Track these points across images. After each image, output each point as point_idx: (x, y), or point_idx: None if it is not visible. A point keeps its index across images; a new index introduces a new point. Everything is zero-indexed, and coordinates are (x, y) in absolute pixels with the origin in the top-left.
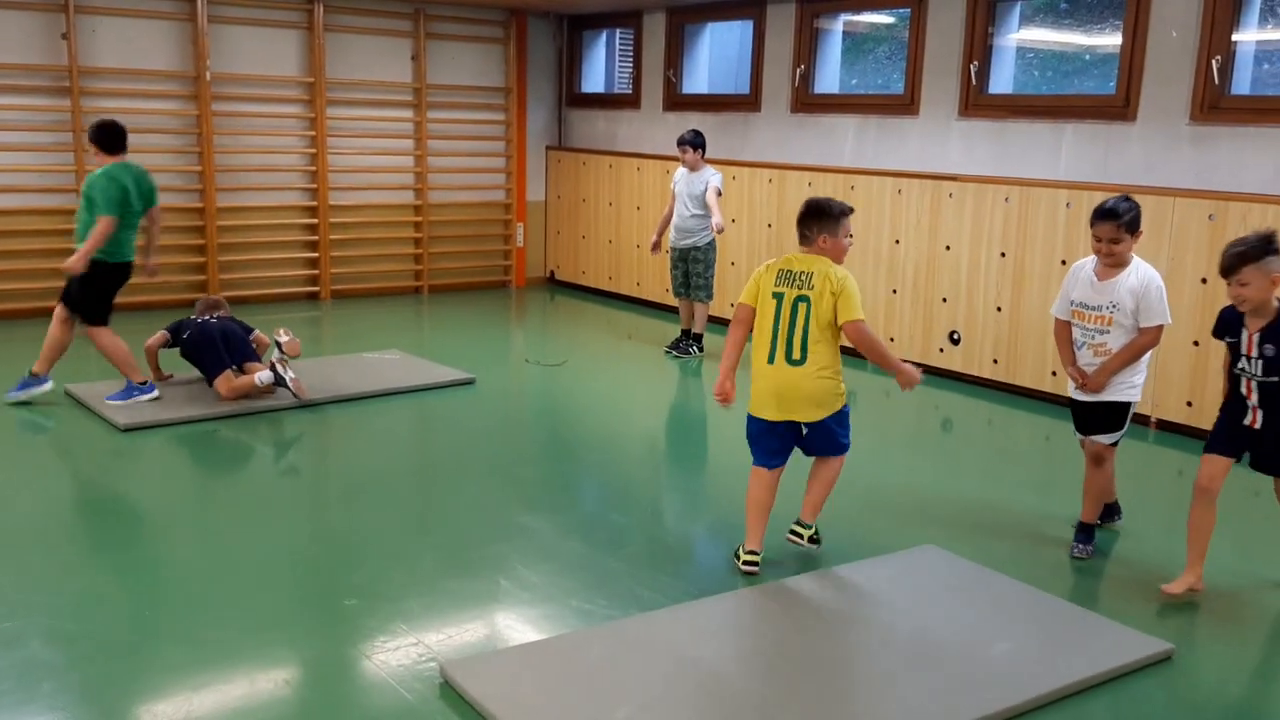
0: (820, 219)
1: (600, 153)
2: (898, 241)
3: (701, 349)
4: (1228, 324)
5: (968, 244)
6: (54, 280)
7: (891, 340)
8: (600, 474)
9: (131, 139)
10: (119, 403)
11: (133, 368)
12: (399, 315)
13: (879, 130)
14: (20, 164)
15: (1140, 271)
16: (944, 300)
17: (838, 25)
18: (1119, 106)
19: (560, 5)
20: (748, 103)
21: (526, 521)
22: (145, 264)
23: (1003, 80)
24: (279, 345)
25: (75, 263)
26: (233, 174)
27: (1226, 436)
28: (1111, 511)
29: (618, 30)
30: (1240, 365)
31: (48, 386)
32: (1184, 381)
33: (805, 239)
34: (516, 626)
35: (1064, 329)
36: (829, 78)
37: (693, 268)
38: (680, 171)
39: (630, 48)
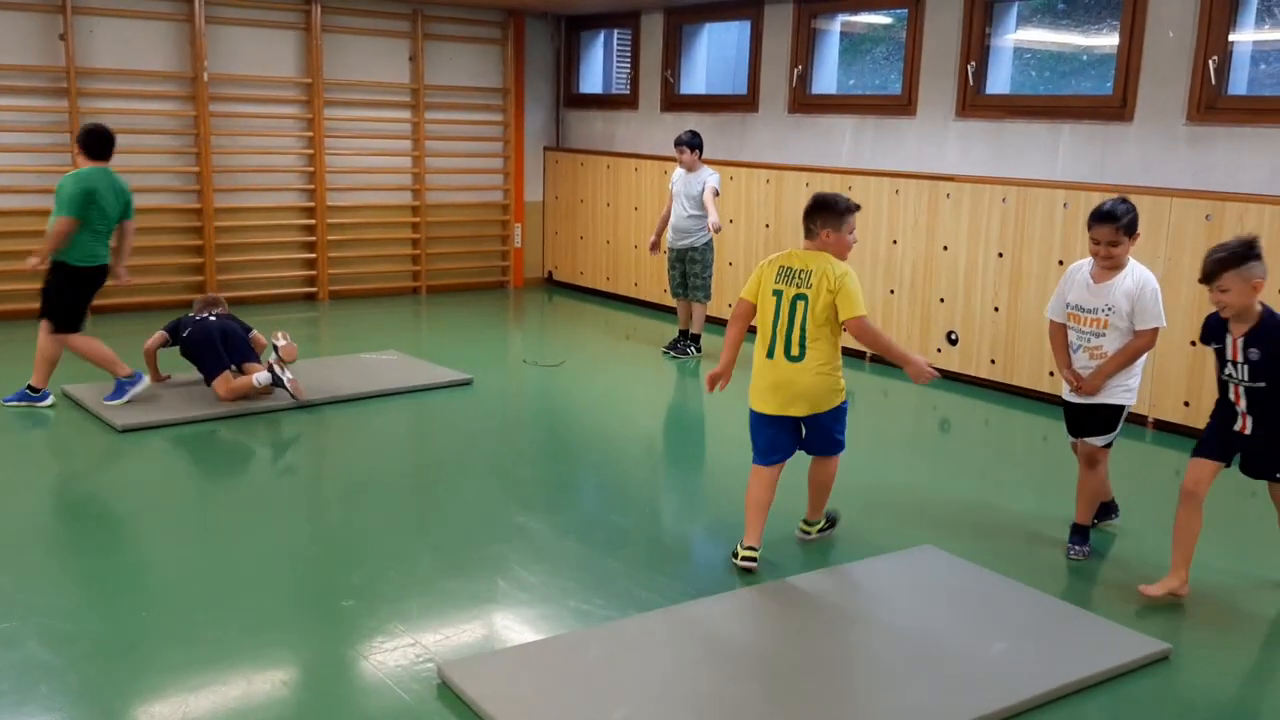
0: (824, 214)
1: (598, 153)
2: (895, 242)
3: (699, 349)
4: (1212, 330)
5: (965, 244)
6: None
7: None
8: (598, 474)
9: (129, 140)
10: (118, 402)
11: (115, 363)
12: (397, 316)
13: (876, 131)
14: (18, 165)
15: (1136, 274)
16: (941, 300)
17: (835, 26)
18: (1116, 107)
19: (558, 6)
20: (745, 103)
21: (524, 522)
22: (115, 271)
23: (1000, 81)
24: (276, 349)
25: (35, 262)
26: (230, 174)
27: (1216, 441)
28: (1108, 510)
29: (615, 31)
30: (1227, 371)
31: (49, 401)
32: (1181, 382)
33: (809, 233)
34: (514, 627)
35: (1059, 331)
36: (826, 78)
37: (690, 268)
38: (678, 172)
39: (628, 48)
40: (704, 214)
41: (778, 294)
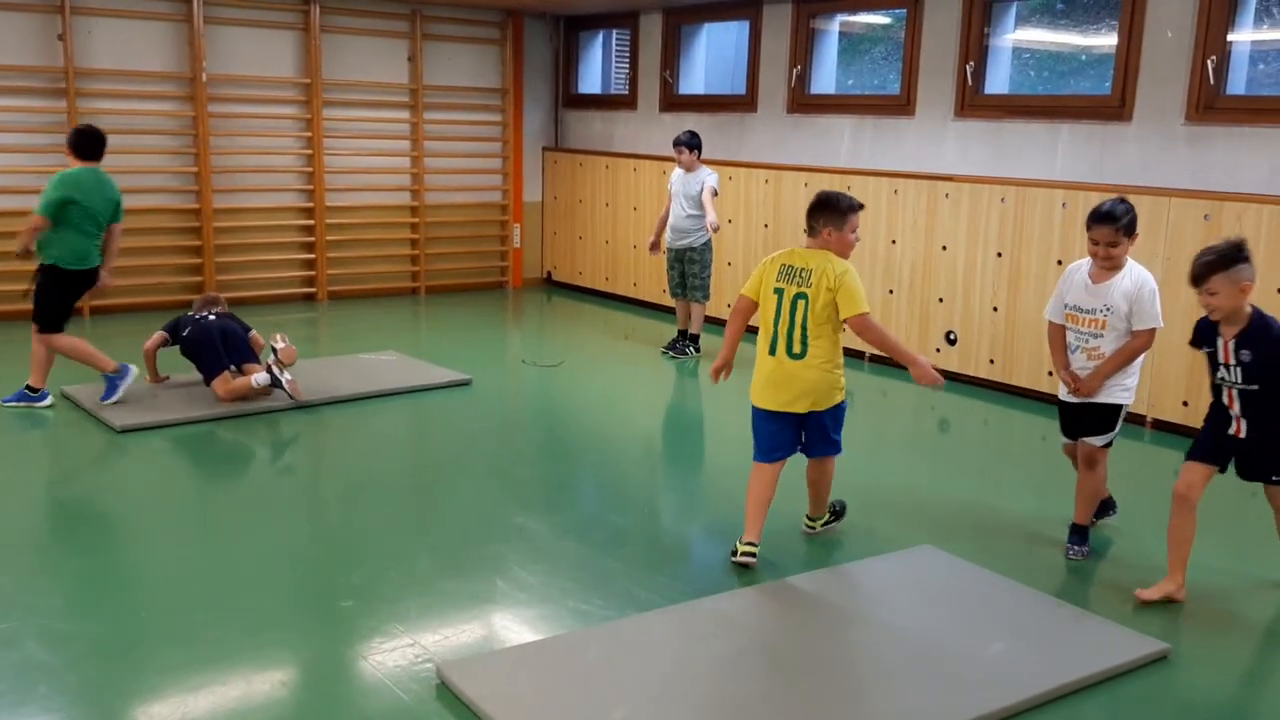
0: (826, 212)
1: (597, 153)
2: (894, 242)
3: (698, 350)
4: (1203, 334)
5: (964, 244)
6: None
7: None
8: (597, 474)
9: (128, 140)
10: (112, 399)
11: (100, 359)
12: (396, 316)
13: (875, 131)
14: (16, 165)
15: (1134, 274)
16: (940, 300)
17: (834, 26)
18: (1114, 107)
19: (556, 6)
20: (744, 103)
21: (523, 522)
22: (99, 274)
23: (999, 81)
24: (275, 350)
25: (17, 247)
26: (229, 175)
27: (1209, 446)
28: (1106, 507)
29: (614, 31)
30: (1220, 375)
31: (47, 401)
32: (1180, 381)
33: (811, 231)
34: (513, 627)
35: (1058, 332)
36: (825, 78)
37: (689, 268)
38: (676, 172)
39: (627, 48)
40: (702, 214)
41: (779, 292)
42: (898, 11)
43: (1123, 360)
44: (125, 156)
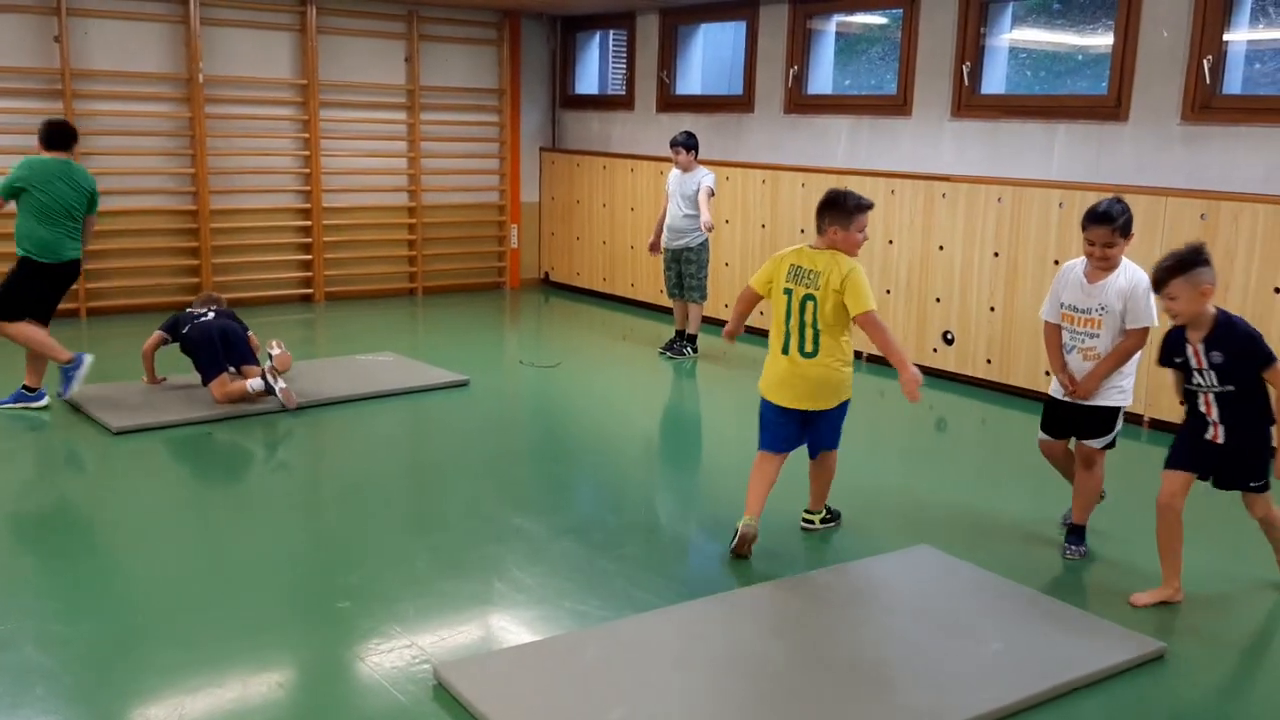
0: (833, 211)
1: (594, 154)
2: (891, 242)
3: (696, 350)
4: (1173, 344)
5: (961, 244)
6: None
7: None
8: (595, 475)
9: (124, 141)
10: (71, 392)
11: (55, 349)
12: (393, 317)
13: (872, 131)
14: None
15: (1129, 273)
16: (937, 300)
17: (830, 26)
18: (1111, 106)
19: (553, 6)
20: (741, 104)
21: (521, 523)
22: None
23: (995, 81)
24: (270, 356)
25: None
26: (226, 176)
27: (1187, 452)
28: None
29: (611, 31)
30: (1195, 381)
31: (43, 402)
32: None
33: (819, 229)
34: (510, 628)
35: (1054, 332)
36: (822, 78)
37: (686, 269)
38: (674, 172)
39: (623, 49)
40: (699, 214)
41: (788, 293)
42: (894, 12)
43: (1118, 360)
44: (122, 158)
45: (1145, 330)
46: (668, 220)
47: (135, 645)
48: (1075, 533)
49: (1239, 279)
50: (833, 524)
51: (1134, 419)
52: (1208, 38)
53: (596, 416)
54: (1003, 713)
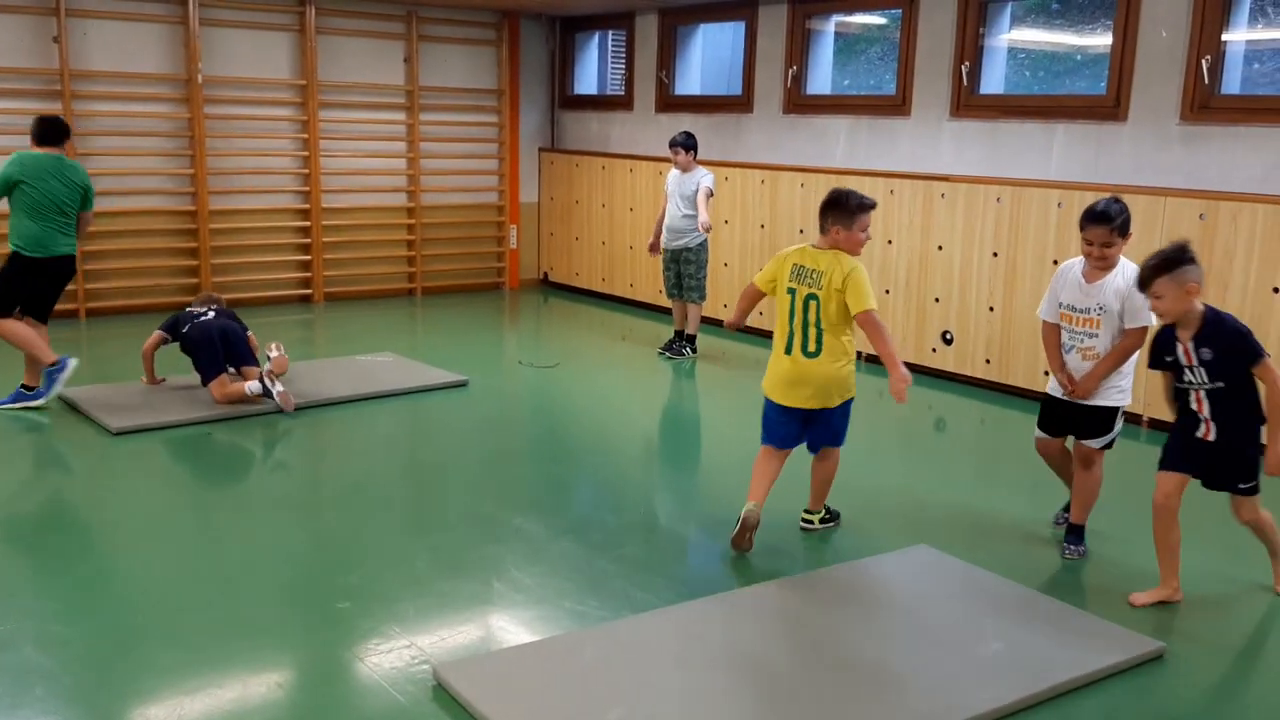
0: (835, 211)
1: (593, 154)
2: (890, 242)
3: (695, 350)
4: (1163, 343)
5: (960, 244)
6: None
7: None
8: (594, 476)
9: (123, 142)
10: (52, 394)
11: (42, 350)
12: (392, 318)
13: (871, 131)
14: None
15: (1127, 272)
16: (936, 300)
17: (829, 26)
18: (1110, 106)
19: (552, 7)
20: (740, 104)
21: (520, 523)
22: None
23: (994, 81)
24: (268, 359)
25: None
26: (225, 177)
27: (1180, 451)
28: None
29: (610, 32)
30: (1186, 379)
31: (42, 401)
32: None
33: (822, 228)
34: (509, 628)
35: (1052, 332)
36: (821, 79)
37: (685, 269)
38: (673, 173)
39: (622, 49)
40: (698, 214)
41: (791, 292)
42: (893, 12)
43: (1116, 360)
44: (121, 159)
45: (1144, 330)
46: (666, 220)
47: (134, 646)
48: (1074, 532)
49: (1238, 279)
50: (832, 524)
51: (1133, 419)
52: (1206, 38)
53: (596, 417)
54: (1001, 712)
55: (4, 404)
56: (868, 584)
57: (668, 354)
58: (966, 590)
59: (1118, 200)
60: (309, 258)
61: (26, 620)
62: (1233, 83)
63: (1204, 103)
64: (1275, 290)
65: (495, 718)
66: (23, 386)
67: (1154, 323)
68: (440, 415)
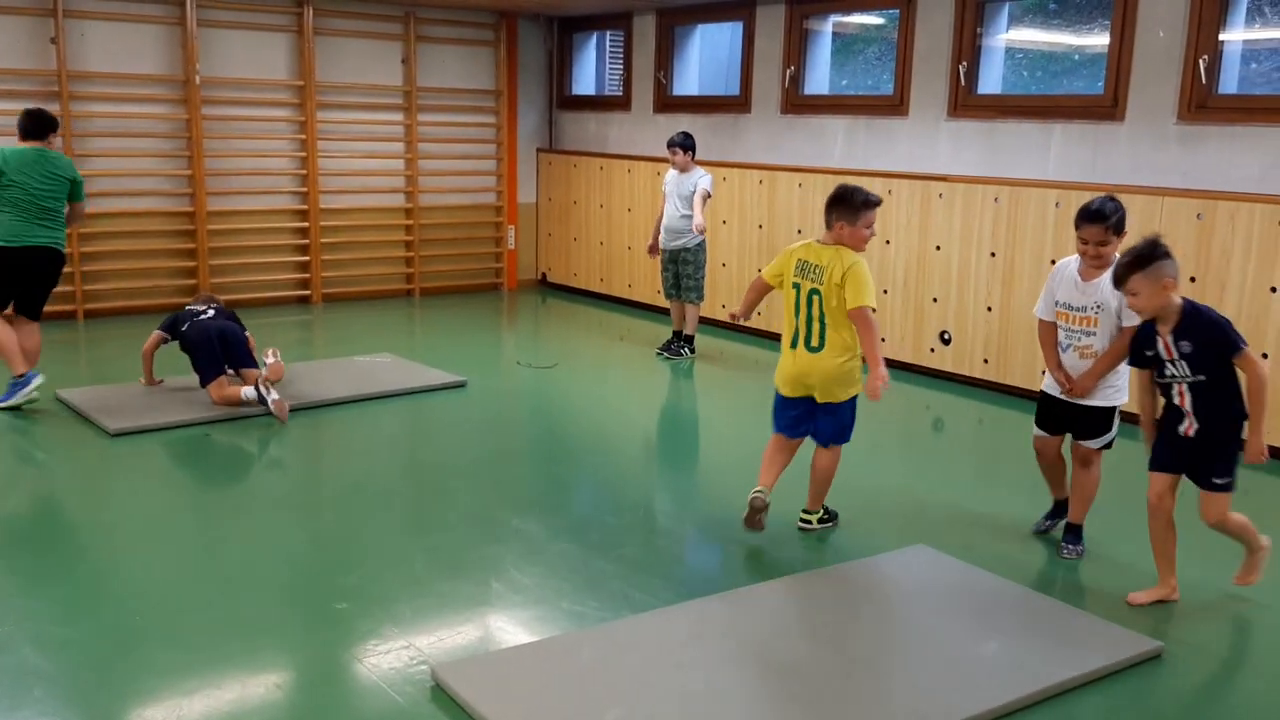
0: (840, 207)
1: (591, 155)
2: (888, 242)
3: (693, 350)
4: (1144, 338)
5: (958, 244)
6: None
7: (883, 340)
8: (592, 476)
9: (121, 143)
10: (7, 405)
11: (15, 358)
12: (390, 318)
13: (868, 131)
14: None
15: None
16: (934, 300)
17: (827, 26)
18: (1107, 106)
19: (550, 7)
20: (738, 104)
21: (518, 524)
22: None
23: (992, 81)
24: (264, 365)
25: None
26: (223, 178)
27: (1167, 451)
28: (1063, 509)
29: (608, 32)
30: (1168, 373)
31: (37, 381)
32: None
33: (827, 223)
34: (508, 629)
35: (1049, 330)
36: (819, 79)
37: (683, 269)
38: (671, 173)
39: (620, 50)
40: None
41: (796, 287)
42: (891, 12)
43: (1114, 359)
44: (119, 160)
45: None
46: (665, 221)
47: (133, 647)
48: (1072, 532)
49: (1235, 278)
50: (830, 524)
51: (1131, 418)
52: (1204, 37)
53: (594, 417)
54: (999, 712)
55: (2, 403)
56: (866, 584)
57: (666, 354)
58: (964, 590)
59: (1112, 199)
60: (307, 259)
61: (25, 621)
62: (1230, 82)
63: (1201, 102)
64: (1273, 290)
65: (493, 718)
66: (12, 380)
67: None
68: (439, 416)
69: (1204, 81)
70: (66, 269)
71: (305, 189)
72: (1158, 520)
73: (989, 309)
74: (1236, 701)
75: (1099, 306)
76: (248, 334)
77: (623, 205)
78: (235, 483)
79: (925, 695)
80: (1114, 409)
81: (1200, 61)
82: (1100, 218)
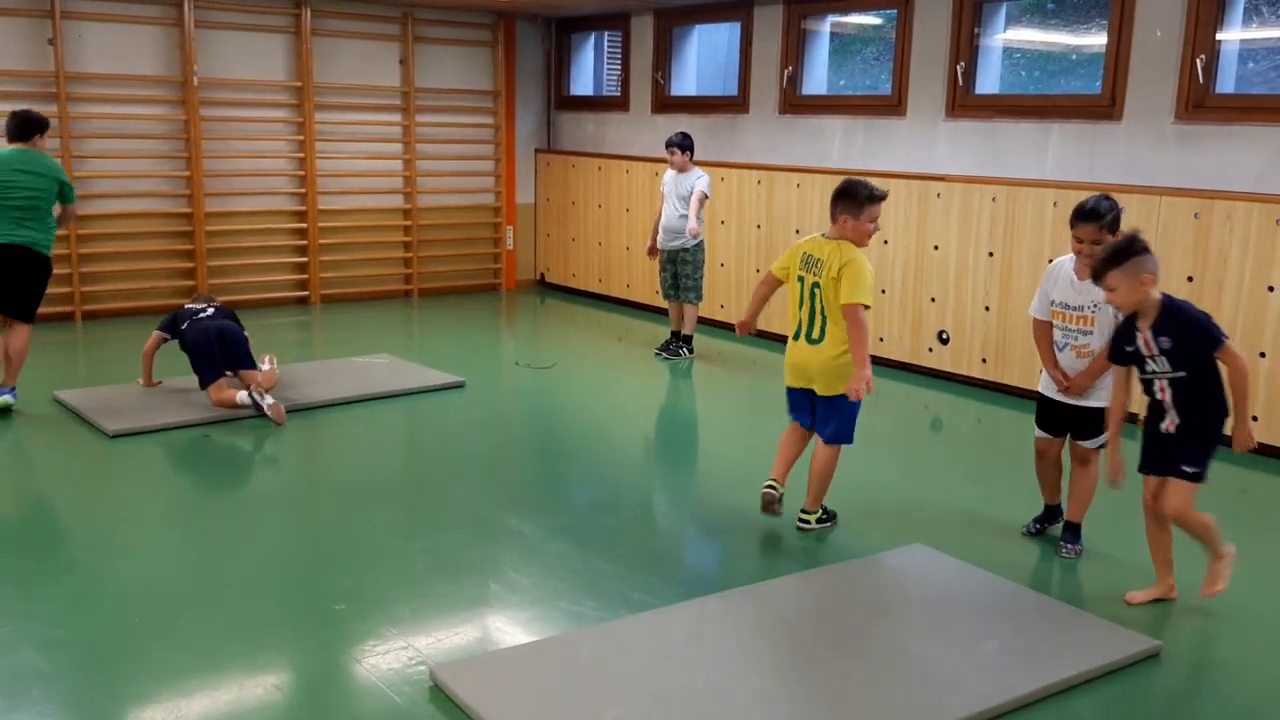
0: (844, 201)
1: (589, 155)
2: (886, 242)
3: (691, 351)
4: (1124, 333)
5: (956, 244)
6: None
7: (881, 340)
8: (590, 476)
9: (119, 145)
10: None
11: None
12: (389, 319)
13: (866, 131)
14: None
15: None
16: (932, 300)
17: (825, 26)
18: (1105, 106)
19: (548, 8)
20: (736, 104)
21: (516, 524)
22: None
23: (989, 81)
24: (260, 371)
25: None
26: (221, 179)
27: (1150, 452)
28: (1054, 515)
29: (606, 33)
30: (1149, 369)
31: (6, 398)
32: None
33: (832, 217)
34: (506, 629)
35: (1044, 330)
36: (816, 79)
37: (681, 269)
38: (669, 173)
39: (618, 50)
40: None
41: (801, 280)
42: (888, 12)
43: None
44: (117, 161)
45: None
46: (663, 221)
47: (132, 648)
48: (1071, 531)
49: (1233, 278)
50: (828, 524)
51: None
52: (1201, 37)
53: (592, 418)
54: (997, 711)
55: None
56: (864, 583)
57: (664, 354)
58: (963, 589)
59: (1107, 198)
60: (305, 259)
61: (24, 622)
62: (1227, 82)
63: (1199, 102)
64: (1270, 289)
65: (492, 718)
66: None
67: None
68: (437, 416)
69: (1201, 81)
70: (65, 270)
71: (303, 190)
72: (1152, 520)
73: (987, 308)
74: (1234, 700)
75: (1095, 305)
76: (246, 334)
77: (621, 206)
78: (234, 484)
79: (924, 694)
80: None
81: (1197, 61)
82: (1095, 216)
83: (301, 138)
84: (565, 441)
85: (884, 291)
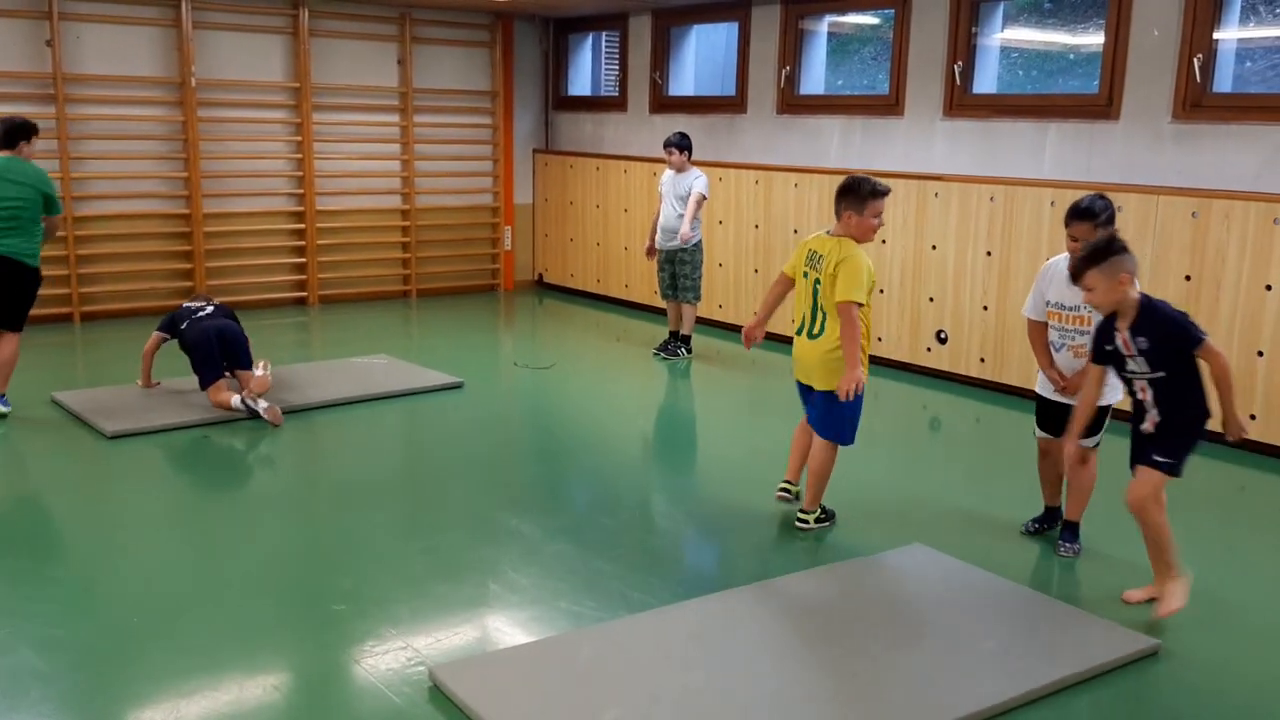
0: (848, 197)
1: (587, 155)
2: (884, 241)
3: (690, 350)
4: (1104, 332)
5: (954, 243)
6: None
7: (879, 340)
8: (589, 476)
9: (117, 145)
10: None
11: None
12: (387, 320)
13: (864, 131)
14: None
15: None
16: (931, 300)
17: (823, 26)
18: (1102, 105)
19: (546, 8)
20: (734, 104)
21: (515, 524)
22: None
23: (987, 80)
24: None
25: None
26: (219, 180)
27: (1135, 449)
28: (1054, 516)
29: (604, 33)
30: (1129, 368)
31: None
32: None
33: (836, 214)
34: (505, 629)
35: (1039, 330)
36: (814, 79)
37: (679, 269)
38: (667, 173)
39: (616, 50)
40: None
41: (805, 276)
42: (886, 12)
43: None
44: (115, 162)
45: None
46: (661, 221)
47: (131, 648)
48: (1069, 530)
49: (1230, 277)
50: (827, 524)
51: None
52: (1198, 36)
53: (591, 418)
54: (996, 710)
55: None
56: (863, 582)
57: (663, 355)
58: (961, 588)
59: (1102, 197)
60: (304, 260)
61: (23, 623)
62: (1224, 81)
63: (1196, 101)
64: (1268, 288)
65: (491, 719)
66: None
67: None
68: (436, 417)
69: (1198, 80)
70: (63, 271)
71: (301, 190)
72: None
73: (985, 308)
74: (1233, 699)
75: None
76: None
77: (619, 206)
78: (233, 484)
79: (923, 693)
80: (1107, 408)
81: (1195, 60)
82: (1089, 215)
83: (299, 138)
84: (564, 442)
85: (882, 291)
